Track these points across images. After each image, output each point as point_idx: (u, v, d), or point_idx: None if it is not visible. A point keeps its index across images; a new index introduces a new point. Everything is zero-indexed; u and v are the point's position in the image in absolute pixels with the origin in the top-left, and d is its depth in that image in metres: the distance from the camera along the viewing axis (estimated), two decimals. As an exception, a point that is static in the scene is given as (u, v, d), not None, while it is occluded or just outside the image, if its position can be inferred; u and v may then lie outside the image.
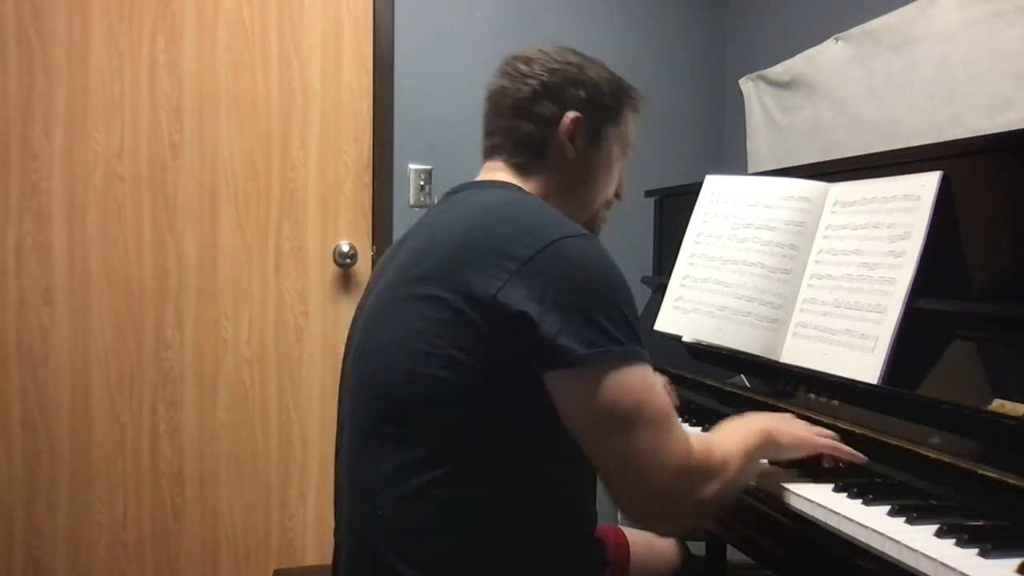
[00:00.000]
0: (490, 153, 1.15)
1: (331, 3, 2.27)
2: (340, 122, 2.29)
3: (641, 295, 1.97)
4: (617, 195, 1.22)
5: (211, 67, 2.18)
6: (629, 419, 0.89)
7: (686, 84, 2.65)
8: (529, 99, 1.10)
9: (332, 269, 2.30)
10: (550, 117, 1.10)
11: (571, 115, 1.10)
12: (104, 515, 2.14)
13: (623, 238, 2.46)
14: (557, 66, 1.11)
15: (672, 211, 2.02)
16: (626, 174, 1.23)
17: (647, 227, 2.11)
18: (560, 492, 1.00)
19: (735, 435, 1.03)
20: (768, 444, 1.05)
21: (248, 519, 2.25)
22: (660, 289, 1.77)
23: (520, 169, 1.11)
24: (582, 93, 1.11)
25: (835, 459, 1.12)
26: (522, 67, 1.12)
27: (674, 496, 0.92)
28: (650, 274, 2.09)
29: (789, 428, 1.10)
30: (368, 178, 2.32)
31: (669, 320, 1.60)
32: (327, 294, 2.30)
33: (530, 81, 1.10)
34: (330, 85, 2.27)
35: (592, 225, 1.19)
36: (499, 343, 0.90)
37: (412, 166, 2.36)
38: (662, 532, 1.01)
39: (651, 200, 2.10)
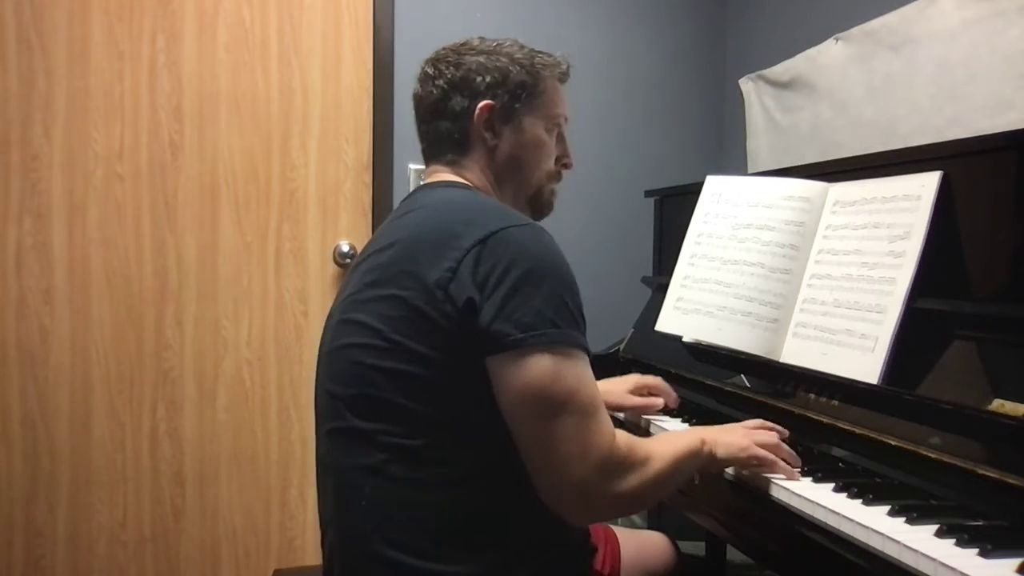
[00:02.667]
0: (427, 158, 1.20)
1: (331, 3, 2.27)
2: (340, 122, 2.29)
3: (641, 295, 1.97)
4: (564, 165, 1.24)
5: (211, 67, 2.18)
6: (556, 404, 0.91)
7: (686, 84, 2.65)
8: (440, 99, 1.15)
9: (332, 269, 2.30)
10: (462, 111, 1.14)
11: (481, 104, 1.13)
12: (104, 515, 2.14)
13: (623, 238, 2.47)
14: (460, 59, 1.15)
15: (672, 211, 2.02)
16: (570, 141, 1.24)
17: (647, 227, 2.11)
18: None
19: (666, 439, 1.07)
20: (702, 453, 1.06)
21: (248, 519, 2.25)
22: (660, 289, 1.77)
23: (453, 165, 1.16)
24: (488, 79, 1.13)
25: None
26: (429, 70, 1.17)
27: (590, 487, 0.92)
28: (650, 274, 2.09)
29: (727, 438, 1.10)
30: (368, 178, 2.32)
31: (669, 320, 1.60)
32: (327, 294, 2.30)
33: (438, 82, 1.15)
34: (330, 85, 2.27)
35: (539, 200, 1.22)
36: (454, 333, 0.94)
37: (412, 166, 2.36)
38: (575, 522, 1.02)
39: (651, 200, 2.10)
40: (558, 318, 0.93)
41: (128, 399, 2.15)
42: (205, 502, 2.21)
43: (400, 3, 2.33)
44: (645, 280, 2.04)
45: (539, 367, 0.92)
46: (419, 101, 1.18)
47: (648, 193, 2.10)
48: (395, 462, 0.98)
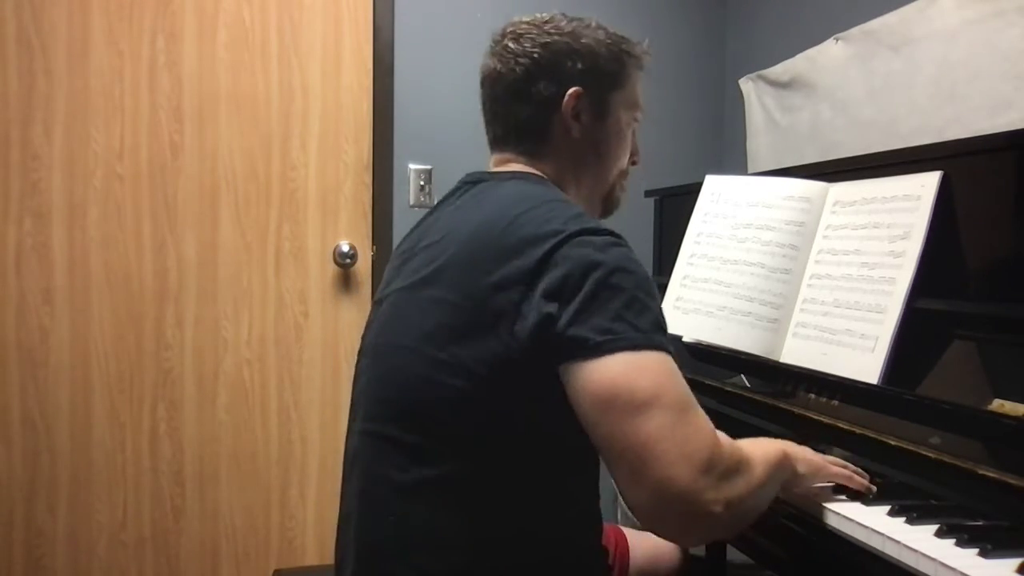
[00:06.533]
0: (497, 144, 1.11)
1: (331, 3, 2.27)
2: (340, 122, 2.29)
3: (641, 295, 1.97)
4: (633, 161, 1.17)
5: (211, 67, 2.18)
6: (644, 402, 0.81)
7: (686, 84, 2.65)
8: (523, 81, 1.04)
9: (332, 269, 2.30)
10: (549, 97, 1.04)
11: (572, 92, 1.04)
12: (104, 515, 2.14)
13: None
14: (548, 39, 1.05)
15: (672, 211, 2.02)
16: (639, 137, 1.17)
17: (647, 227, 2.11)
18: (569, 502, 0.98)
19: (758, 445, 0.94)
20: (786, 465, 0.96)
21: (248, 519, 2.25)
22: (660, 289, 1.76)
23: (530, 156, 1.07)
24: (579, 64, 1.04)
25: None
26: (512, 45, 1.06)
27: (699, 492, 0.80)
28: (650, 274, 2.09)
29: (805, 455, 1.01)
30: (368, 178, 2.32)
31: (669, 320, 1.59)
32: (327, 294, 2.30)
33: (522, 60, 1.04)
34: (330, 85, 2.27)
35: (611, 198, 1.15)
36: (516, 351, 0.88)
37: (412, 166, 2.36)
38: (686, 540, 0.90)
39: (651, 200, 2.10)
40: (640, 321, 0.86)
41: (128, 399, 2.15)
42: (205, 502, 2.21)
43: (400, 3, 2.33)
44: (645, 280, 2.04)
45: (620, 364, 0.83)
46: (497, 78, 1.07)
47: (648, 193, 2.10)
48: (428, 484, 0.93)
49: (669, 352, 0.87)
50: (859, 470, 1.04)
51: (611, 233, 0.93)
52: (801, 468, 0.97)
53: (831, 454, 1.17)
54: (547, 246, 0.89)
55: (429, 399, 0.93)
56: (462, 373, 0.90)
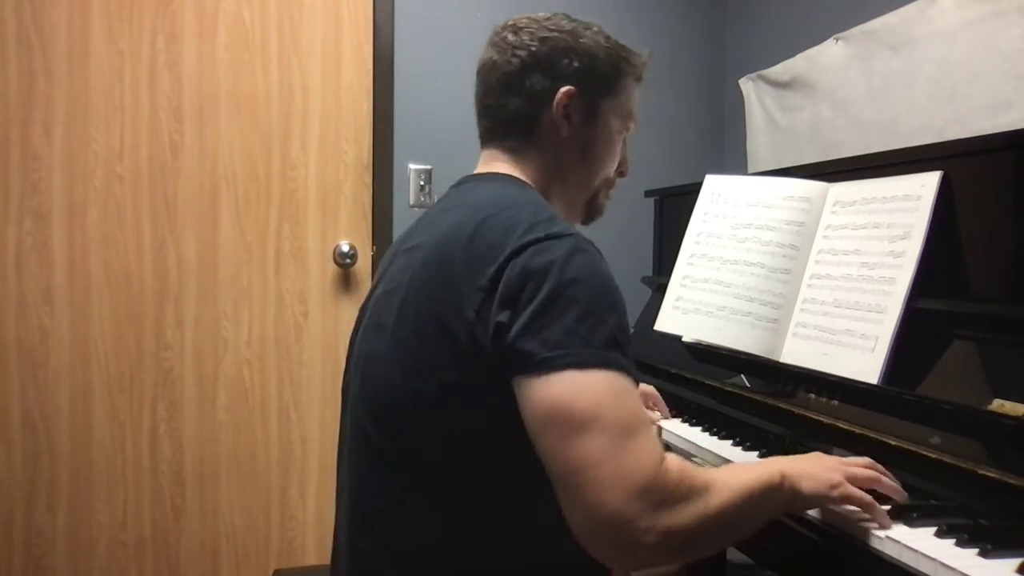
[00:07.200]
0: (485, 140, 1.10)
1: (331, 3, 2.27)
2: (340, 122, 2.29)
3: (641, 295, 1.97)
4: (620, 173, 1.16)
5: (211, 67, 2.18)
6: (582, 423, 0.79)
7: (686, 84, 2.65)
8: (518, 72, 1.04)
9: (332, 269, 2.30)
10: (541, 91, 1.03)
11: (564, 89, 1.03)
12: (104, 515, 2.14)
13: (623, 238, 2.47)
14: (547, 35, 1.04)
15: (672, 211, 2.02)
16: (630, 149, 1.17)
17: (647, 227, 2.11)
18: (557, 505, 0.98)
19: (736, 469, 0.91)
20: (782, 488, 0.89)
21: (248, 519, 2.25)
22: (660, 289, 1.77)
23: (515, 153, 1.06)
24: (575, 63, 1.03)
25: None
26: (510, 37, 1.05)
27: (630, 520, 0.77)
28: (650, 274, 2.09)
29: (813, 471, 0.93)
30: (368, 178, 2.32)
31: (669, 320, 1.60)
32: (327, 294, 2.30)
33: (519, 53, 1.04)
34: (330, 85, 2.27)
35: (593, 206, 1.14)
36: (483, 358, 0.87)
37: (412, 166, 2.36)
38: (616, 565, 0.85)
39: (651, 200, 2.10)
40: (592, 337, 0.83)
41: (128, 399, 2.15)
42: (205, 502, 2.21)
43: (400, 3, 2.33)
44: (645, 280, 2.04)
45: (564, 383, 0.81)
46: (492, 68, 1.06)
47: (648, 193, 2.10)
48: (414, 491, 0.93)
49: (621, 370, 0.84)
50: (893, 484, 0.97)
51: (579, 239, 0.91)
52: (806, 488, 0.91)
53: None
54: (506, 252, 0.87)
55: (407, 405, 0.92)
56: (435, 379, 0.90)
